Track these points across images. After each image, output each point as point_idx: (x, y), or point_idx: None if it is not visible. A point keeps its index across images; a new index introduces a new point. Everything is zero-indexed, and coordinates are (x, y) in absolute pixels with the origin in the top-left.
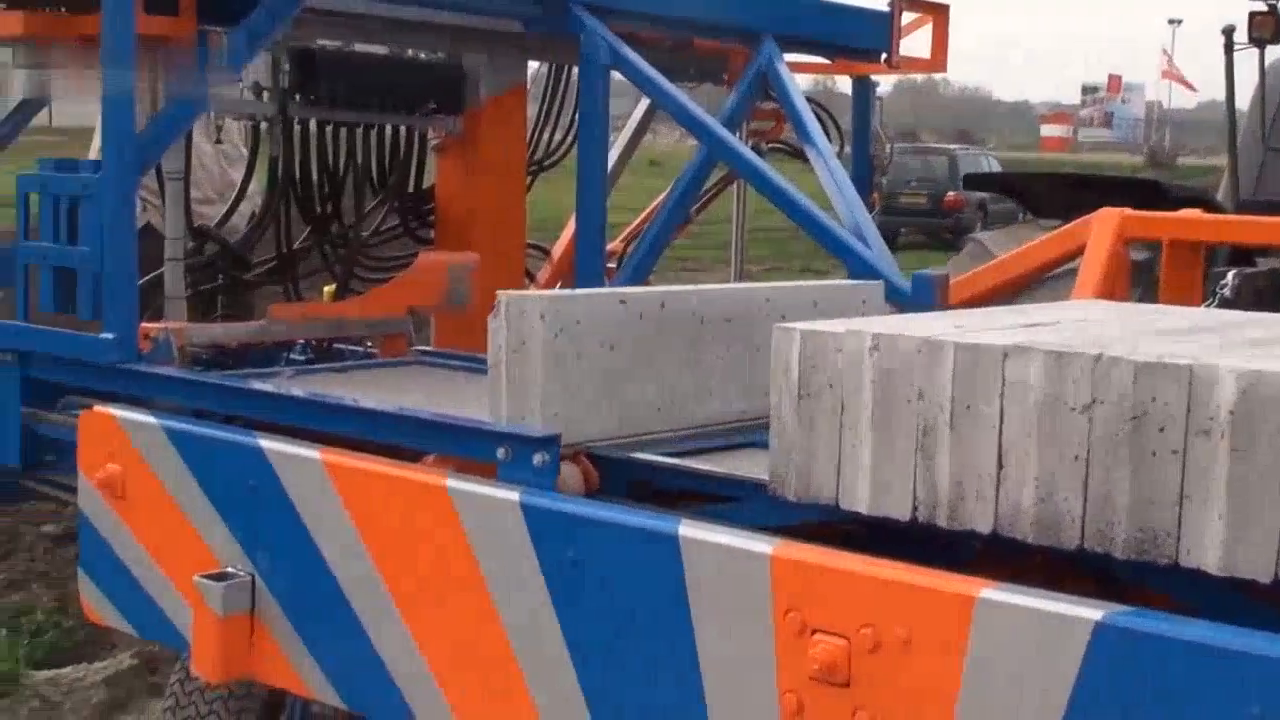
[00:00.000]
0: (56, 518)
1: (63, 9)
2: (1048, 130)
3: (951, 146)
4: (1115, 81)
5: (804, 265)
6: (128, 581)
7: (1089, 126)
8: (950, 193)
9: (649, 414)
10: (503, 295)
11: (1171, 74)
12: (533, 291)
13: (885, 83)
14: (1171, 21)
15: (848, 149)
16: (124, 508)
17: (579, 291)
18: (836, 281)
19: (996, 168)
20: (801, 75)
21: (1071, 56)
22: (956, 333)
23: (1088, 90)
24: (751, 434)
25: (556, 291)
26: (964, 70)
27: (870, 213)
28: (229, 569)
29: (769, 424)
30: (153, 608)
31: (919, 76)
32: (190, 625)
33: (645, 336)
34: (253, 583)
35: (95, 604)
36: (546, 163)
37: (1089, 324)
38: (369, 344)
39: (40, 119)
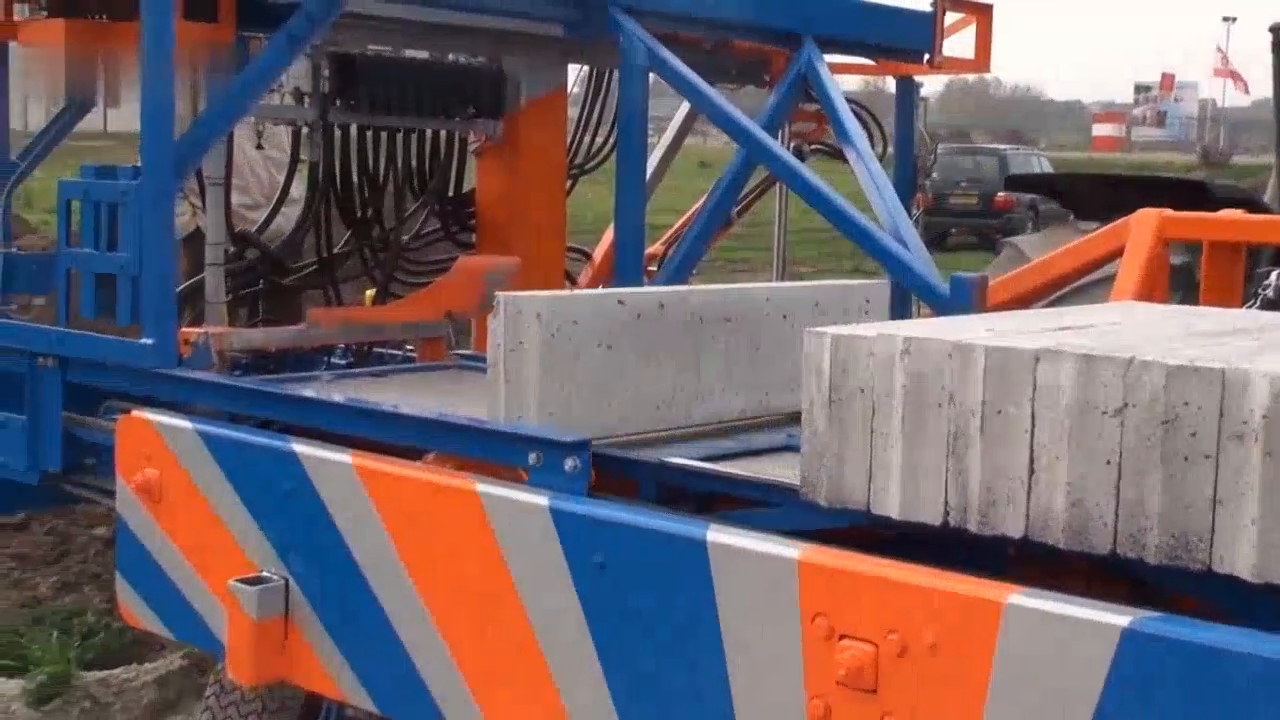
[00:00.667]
0: (108, 521)
1: (104, 16)
2: (1100, 130)
3: (1002, 146)
4: (1168, 80)
5: (855, 266)
6: (164, 585)
7: (1142, 125)
8: (1000, 193)
9: (648, 413)
10: (501, 296)
11: (1225, 72)
12: (531, 292)
13: (936, 83)
14: (1226, 19)
15: (890, 150)
16: (161, 511)
17: (577, 292)
18: (839, 281)
19: (1047, 168)
20: (851, 76)
21: (1125, 55)
22: (988, 336)
23: (1140, 89)
24: (788, 437)
25: (554, 292)
26: (1016, 70)
27: (915, 214)
28: (263, 573)
29: (779, 423)
30: (189, 611)
31: (970, 76)
32: (225, 629)
33: (643, 336)
34: (286, 586)
35: (133, 607)
36: (588, 166)
37: (1123, 327)
38: (409, 348)
39: (94, 124)
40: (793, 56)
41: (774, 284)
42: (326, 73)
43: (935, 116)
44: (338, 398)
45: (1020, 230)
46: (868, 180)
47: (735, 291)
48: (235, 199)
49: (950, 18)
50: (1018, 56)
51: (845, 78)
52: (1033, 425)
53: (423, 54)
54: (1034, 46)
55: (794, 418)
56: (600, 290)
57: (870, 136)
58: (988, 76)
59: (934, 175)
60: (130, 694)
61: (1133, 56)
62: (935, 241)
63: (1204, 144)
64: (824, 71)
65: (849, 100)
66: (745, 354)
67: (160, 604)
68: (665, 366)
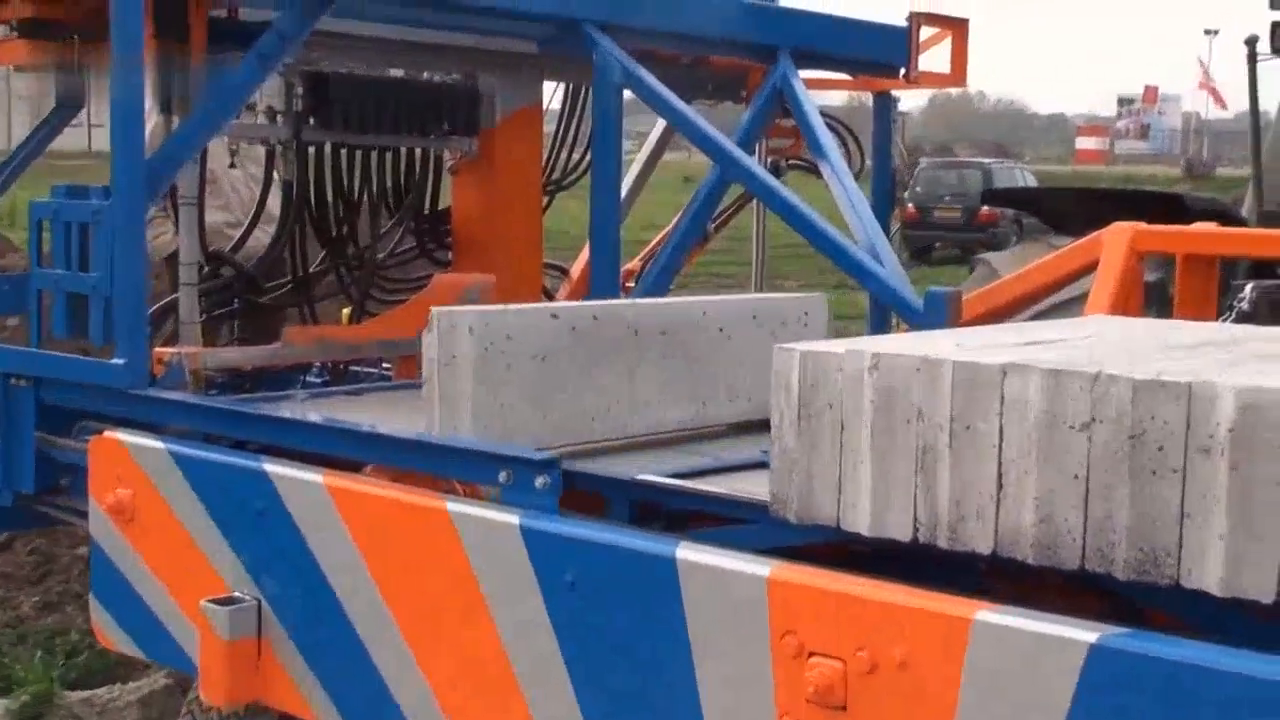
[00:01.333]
0: None
1: (74, 37)
2: (1083, 143)
3: (986, 160)
4: (1151, 93)
5: (839, 281)
6: (137, 606)
7: (1125, 138)
8: (984, 207)
9: (584, 424)
10: (434, 310)
11: (1208, 85)
12: (465, 307)
13: (919, 96)
14: (1208, 32)
15: (869, 164)
16: (133, 532)
17: (511, 306)
18: (777, 295)
19: (1032, 181)
20: (835, 92)
21: (1109, 68)
22: (956, 351)
23: (1124, 102)
24: (763, 453)
25: (487, 307)
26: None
27: (896, 228)
28: (235, 593)
29: (723, 435)
30: (162, 632)
31: (953, 90)
32: (198, 650)
33: (578, 349)
34: (259, 607)
35: (106, 629)
36: (564, 182)
37: (1093, 341)
38: (386, 366)
39: (80, 142)
40: (767, 72)
41: (711, 297)
42: (300, 91)
43: (919, 130)
44: (310, 417)
45: (1005, 244)
46: (842, 195)
47: (671, 304)
48: (218, 217)
49: (926, 32)
50: (1001, 70)
51: (829, 93)
52: (1001, 440)
53: (398, 72)
54: (1018, 59)
55: (734, 428)
56: (533, 305)
57: (847, 151)
58: (971, 90)
59: (918, 189)
60: (113, 713)
61: (1117, 69)
62: (919, 255)
63: (1188, 156)
64: (799, 86)
65: (825, 115)
66: (682, 366)
67: (134, 625)
68: (601, 379)
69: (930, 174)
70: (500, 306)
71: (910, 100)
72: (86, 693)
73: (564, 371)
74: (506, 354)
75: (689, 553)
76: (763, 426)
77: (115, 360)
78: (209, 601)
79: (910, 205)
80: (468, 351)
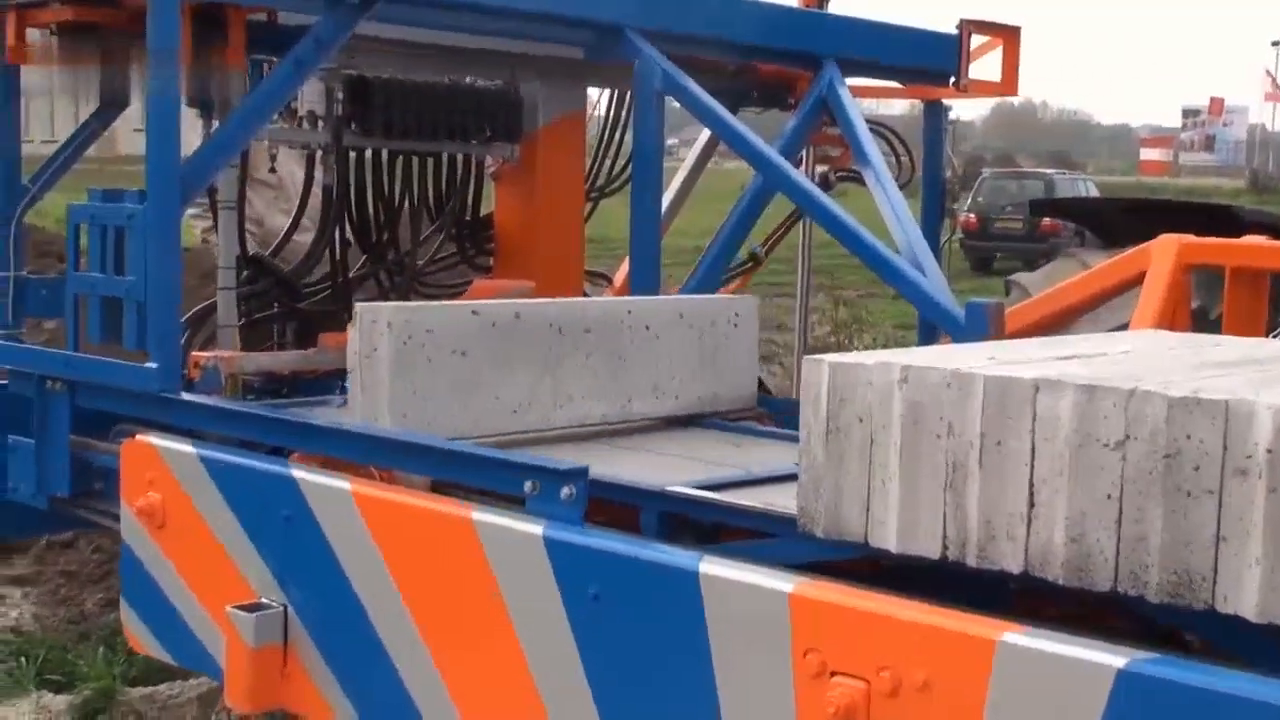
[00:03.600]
0: None
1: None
2: (1147, 154)
3: (1048, 171)
4: (1217, 104)
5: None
6: (167, 610)
7: (1190, 150)
8: (1045, 218)
9: (504, 417)
10: (358, 306)
11: (1276, 95)
12: (387, 303)
13: (982, 106)
14: (1275, 43)
15: (919, 173)
16: (164, 537)
17: (432, 303)
18: (707, 296)
19: (1094, 192)
20: (897, 101)
21: (1174, 79)
22: (989, 365)
23: (1189, 113)
24: (795, 465)
25: (408, 304)
26: (1063, 93)
27: (946, 238)
28: (262, 599)
29: (647, 429)
30: (191, 637)
31: (1015, 100)
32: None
33: (499, 345)
34: (285, 613)
35: (137, 632)
36: (608, 189)
37: (1132, 356)
38: None
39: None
40: (813, 80)
41: (637, 297)
42: (340, 96)
43: (980, 140)
44: (336, 423)
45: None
46: (885, 205)
47: (596, 303)
48: (282, 220)
49: (977, 40)
50: (1065, 80)
51: (890, 102)
52: (1032, 458)
53: (440, 77)
54: (1082, 70)
55: (660, 423)
56: (456, 302)
57: (897, 159)
58: (1034, 100)
59: (979, 199)
60: (174, 710)
61: (1182, 80)
62: (980, 266)
63: (1253, 168)
64: (844, 94)
65: (875, 123)
66: (607, 362)
67: (163, 629)
68: (522, 373)
69: (992, 184)
70: (422, 303)
71: (972, 110)
72: (148, 689)
73: (485, 366)
74: (426, 348)
75: (712, 567)
76: (689, 423)
77: (149, 364)
78: (235, 608)
79: (971, 215)
80: (387, 345)
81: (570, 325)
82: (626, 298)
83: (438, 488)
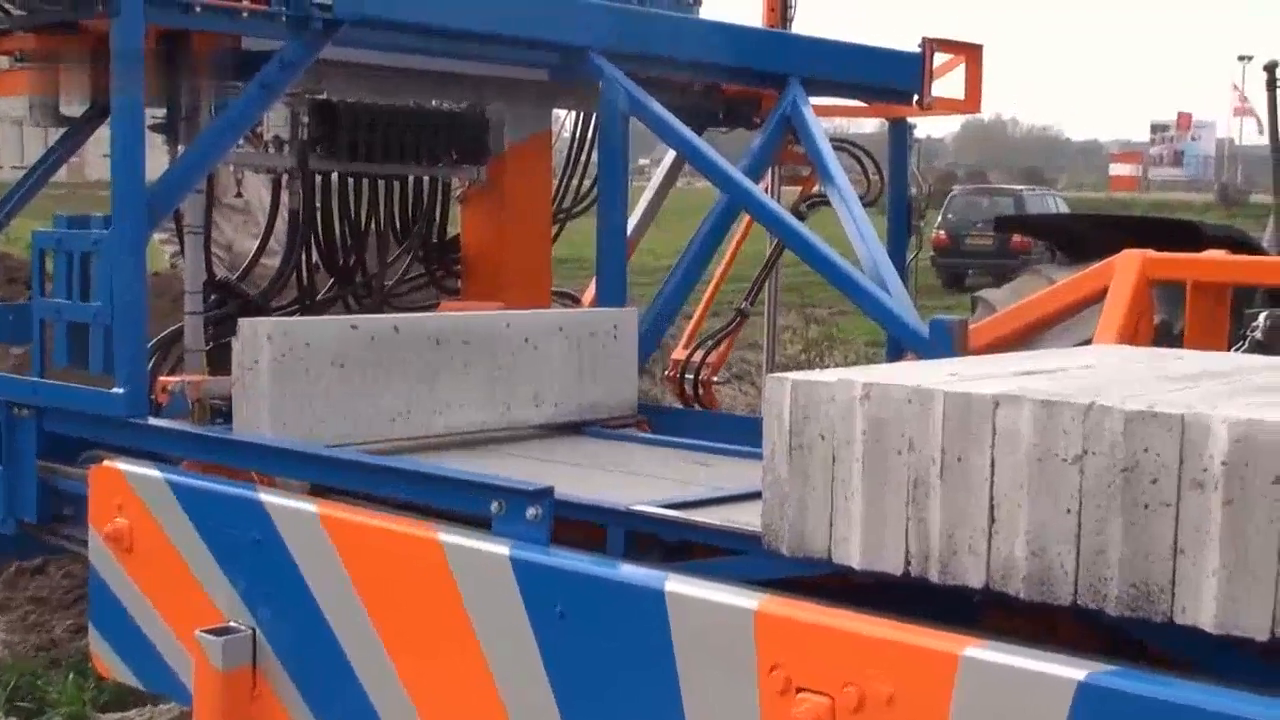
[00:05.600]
0: None
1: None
2: (1117, 169)
3: (1018, 187)
4: (1185, 119)
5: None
6: (135, 635)
7: (1159, 165)
8: (1015, 234)
9: (382, 424)
10: (241, 321)
11: (1244, 110)
12: (269, 318)
13: (952, 123)
14: (1242, 58)
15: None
16: (131, 561)
17: (313, 318)
18: (586, 309)
19: (1064, 208)
20: (868, 120)
21: (1143, 94)
22: (950, 381)
23: (1157, 128)
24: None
25: (289, 318)
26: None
27: (912, 256)
28: (231, 623)
29: (525, 438)
30: (159, 661)
31: (985, 117)
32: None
33: (377, 356)
34: (254, 636)
35: (105, 657)
36: (575, 210)
37: (1093, 371)
38: None
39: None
40: (777, 99)
41: (516, 311)
42: (305, 120)
43: (951, 157)
44: (296, 447)
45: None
46: (850, 224)
47: (475, 317)
48: (250, 245)
49: (939, 59)
50: (1035, 96)
51: (861, 121)
52: (992, 472)
53: (406, 100)
54: (1052, 86)
55: (541, 430)
56: (336, 317)
57: (866, 177)
58: (1004, 117)
59: (950, 216)
60: None
61: (1150, 95)
62: (952, 283)
63: (1221, 182)
64: (808, 113)
65: (842, 140)
66: (485, 372)
67: (131, 654)
68: (400, 383)
69: (962, 201)
70: (302, 318)
71: (943, 127)
72: (118, 714)
73: (363, 376)
74: (305, 360)
75: (678, 585)
76: (568, 430)
77: (115, 389)
78: (204, 631)
79: (942, 233)
80: (267, 357)
81: (449, 337)
82: (505, 312)
83: (318, 491)
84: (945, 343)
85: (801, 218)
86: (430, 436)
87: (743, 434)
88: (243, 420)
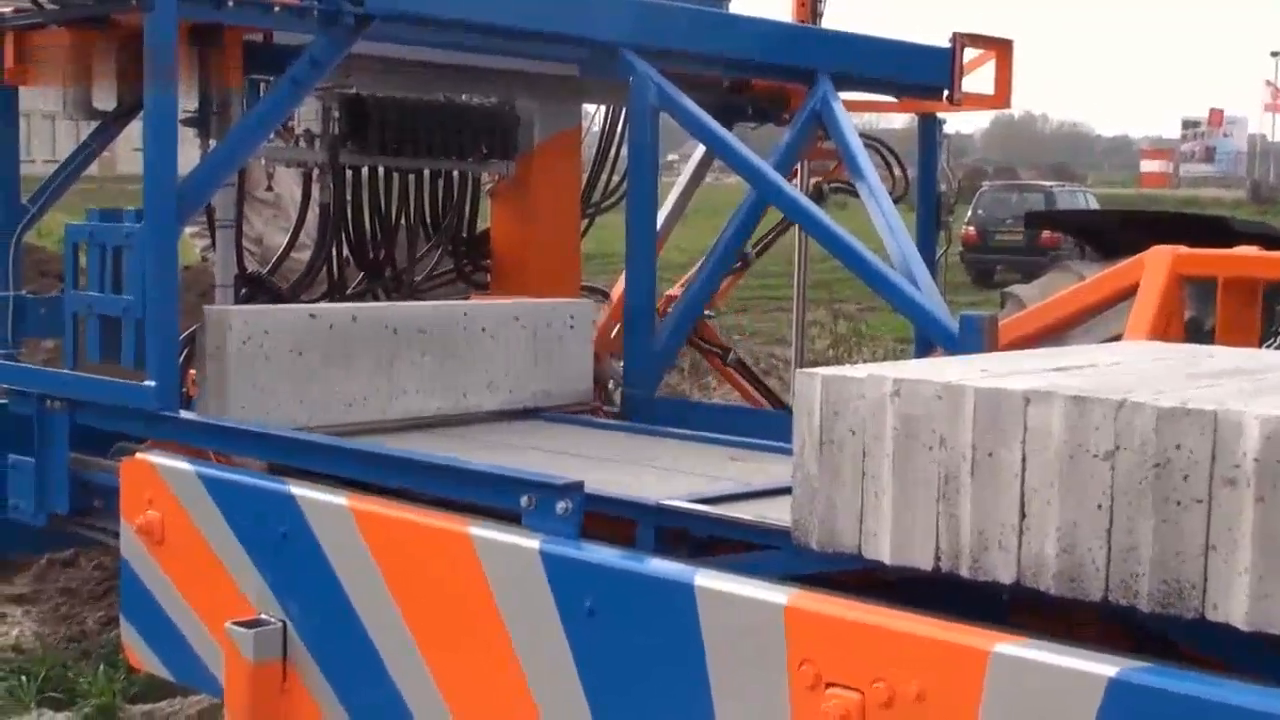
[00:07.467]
0: None
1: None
2: (1147, 165)
3: (1048, 183)
4: (1217, 115)
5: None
6: (166, 626)
7: (1190, 161)
8: (1045, 230)
9: (340, 409)
10: (206, 309)
11: (1277, 106)
12: (232, 306)
13: (982, 119)
14: (1275, 54)
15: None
16: (162, 554)
17: (272, 306)
18: (542, 300)
19: (1094, 204)
20: (897, 115)
21: (1174, 90)
22: (980, 377)
23: (1188, 124)
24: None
25: (250, 307)
26: (1064, 105)
27: (941, 251)
28: (261, 615)
29: (481, 420)
30: (190, 653)
31: (1015, 113)
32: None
33: (335, 344)
34: (284, 629)
35: (136, 649)
36: (605, 205)
37: (1123, 367)
38: None
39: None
40: (807, 95)
41: (473, 301)
42: (336, 114)
43: (980, 153)
44: (327, 440)
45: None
46: (879, 218)
47: (431, 307)
48: (280, 239)
49: (969, 54)
50: (1065, 92)
51: (890, 117)
52: (1023, 469)
53: (436, 95)
54: (1082, 82)
55: (491, 415)
56: (295, 305)
57: (891, 174)
58: (1034, 113)
59: (980, 212)
60: None
61: (1182, 91)
62: (981, 279)
63: (1253, 179)
64: (838, 109)
65: (868, 137)
66: (441, 361)
67: (162, 646)
68: (357, 370)
69: (992, 197)
70: (264, 306)
71: (972, 123)
72: (148, 706)
73: (320, 363)
74: (265, 347)
75: (708, 580)
76: (523, 415)
77: (147, 383)
78: (234, 624)
79: (971, 228)
80: (229, 344)
81: (405, 326)
82: (464, 302)
83: (276, 470)
84: (975, 339)
85: (822, 199)
86: (386, 420)
87: (753, 428)
88: (204, 404)
